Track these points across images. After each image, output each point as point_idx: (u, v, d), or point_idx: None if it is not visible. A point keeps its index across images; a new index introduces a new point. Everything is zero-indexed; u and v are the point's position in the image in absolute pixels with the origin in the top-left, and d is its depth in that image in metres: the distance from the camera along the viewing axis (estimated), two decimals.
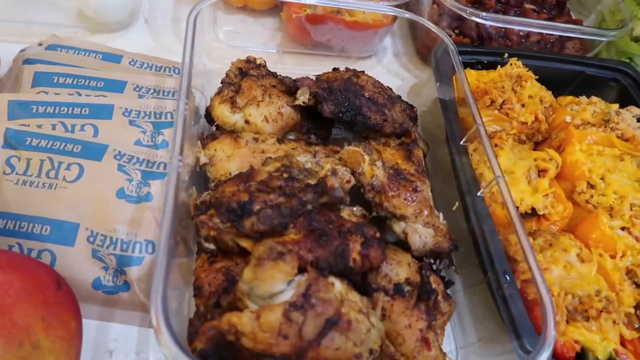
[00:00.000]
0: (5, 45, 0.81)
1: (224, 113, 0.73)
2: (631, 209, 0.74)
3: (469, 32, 0.99)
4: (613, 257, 0.70)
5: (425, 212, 0.66)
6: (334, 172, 0.63)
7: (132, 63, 0.82)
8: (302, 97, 0.74)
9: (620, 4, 1.07)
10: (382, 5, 0.89)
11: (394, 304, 0.58)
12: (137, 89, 0.75)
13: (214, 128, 0.74)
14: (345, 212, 0.62)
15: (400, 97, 0.85)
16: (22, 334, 0.45)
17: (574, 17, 1.16)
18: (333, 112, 0.74)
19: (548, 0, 1.16)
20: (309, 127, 0.77)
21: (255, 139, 0.70)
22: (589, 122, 0.85)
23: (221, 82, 0.77)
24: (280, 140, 0.71)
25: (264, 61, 0.83)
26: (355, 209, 0.63)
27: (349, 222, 0.58)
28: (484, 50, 0.96)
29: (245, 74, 0.78)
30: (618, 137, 0.84)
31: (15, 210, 0.60)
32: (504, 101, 0.85)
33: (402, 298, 0.58)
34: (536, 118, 0.85)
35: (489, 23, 0.92)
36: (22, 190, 0.61)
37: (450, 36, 0.90)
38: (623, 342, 0.64)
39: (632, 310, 0.67)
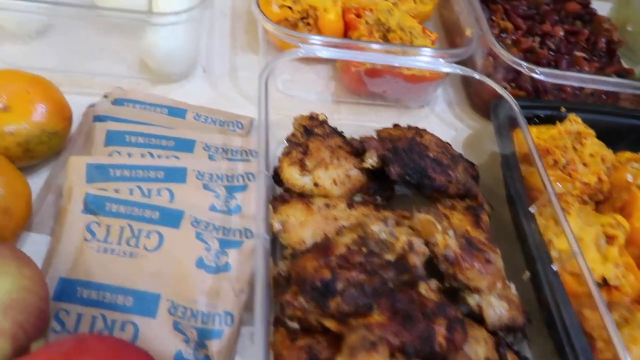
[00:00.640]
0: (71, 97, 0.82)
1: (293, 175, 0.73)
2: None
3: (524, 85, 0.99)
4: None
5: (499, 284, 0.66)
6: (410, 246, 0.63)
7: (197, 118, 0.83)
8: (371, 161, 0.74)
9: None
10: (441, 63, 0.89)
11: None
12: (207, 149, 0.76)
13: (280, 189, 0.74)
14: (422, 287, 0.61)
15: (462, 155, 0.85)
16: None
17: (624, 65, 1.15)
18: (400, 175, 0.74)
19: (598, 46, 1.16)
20: (375, 189, 0.77)
21: (327, 205, 0.70)
22: None
23: (287, 141, 0.78)
24: (350, 205, 0.71)
25: (326, 116, 0.84)
26: (431, 282, 0.63)
27: (431, 302, 0.58)
28: (540, 105, 0.96)
29: (310, 132, 0.79)
30: None
31: (98, 280, 0.60)
32: (567, 162, 0.84)
33: None
34: (599, 179, 0.84)
35: (547, 80, 0.92)
36: (104, 258, 0.61)
37: (505, 88, 0.90)
38: None
39: None
